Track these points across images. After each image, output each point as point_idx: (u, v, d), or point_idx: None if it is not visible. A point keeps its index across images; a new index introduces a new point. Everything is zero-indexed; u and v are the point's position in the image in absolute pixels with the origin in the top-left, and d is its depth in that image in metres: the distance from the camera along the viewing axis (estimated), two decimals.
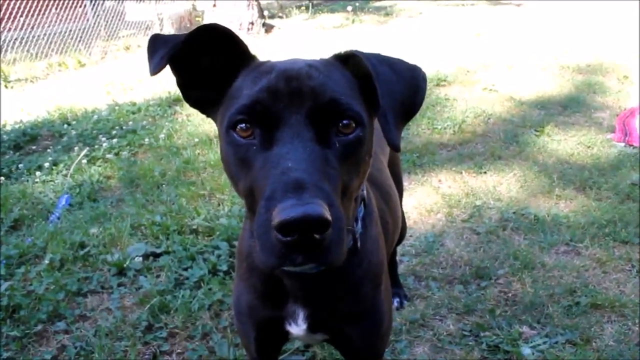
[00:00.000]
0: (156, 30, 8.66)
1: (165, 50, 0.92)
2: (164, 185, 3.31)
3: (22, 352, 1.98)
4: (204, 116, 1.07)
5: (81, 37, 7.88)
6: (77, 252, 2.56)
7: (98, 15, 8.60)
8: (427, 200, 3.04)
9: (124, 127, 4.34)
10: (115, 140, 4.08)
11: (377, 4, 11.61)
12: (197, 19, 9.43)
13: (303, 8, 10.95)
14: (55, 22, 7.90)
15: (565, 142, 3.83)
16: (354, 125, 0.90)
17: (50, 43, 7.41)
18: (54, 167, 3.63)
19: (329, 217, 0.76)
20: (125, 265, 2.44)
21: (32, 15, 7.51)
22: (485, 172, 3.39)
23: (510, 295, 2.25)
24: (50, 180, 3.47)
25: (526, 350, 1.91)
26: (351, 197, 0.93)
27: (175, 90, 5.09)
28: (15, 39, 7.12)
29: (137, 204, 3.04)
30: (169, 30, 8.87)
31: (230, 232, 2.63)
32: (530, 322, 2.08)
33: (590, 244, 2.57)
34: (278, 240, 0.77)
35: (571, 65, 5.81)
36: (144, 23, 9.00)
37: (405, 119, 0.98)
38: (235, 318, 1.29)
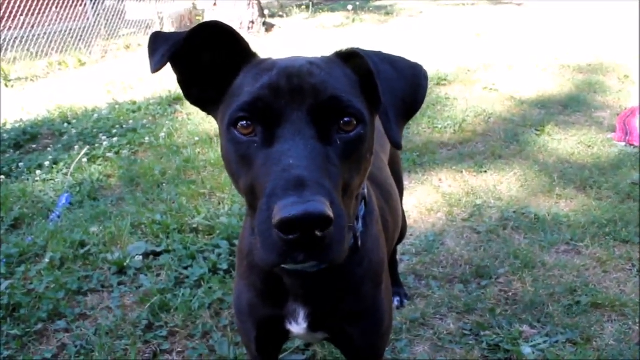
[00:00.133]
0: (156, 29, 8.65)
1: (166, 48, 0.91)
2: (164, 184, 3.31)
3: (22, 350, 1.98)
4: (204, 115, 1.07)
5: (81, 36, 7.88)
6: (78, 250, 2.56)
7: (98, 14, 8.61)
8: (427, 199, 3.04)
9: (124, 126, 4.34)
10: (115, 139, 4.07)
11: (378, 3, 11.61)
12: (197, 17, 9.43)
13: (303, 7, 10.94)
14: (56, 21, 7.90)
15: (565, 142, 3.83)
16: (355, 122, 0.90)
17: (51, 42, 7.40)
18: (54, 166, 3.63)
19: (331, 215, 0.76)
20: (125, 264, 2.44)
21: (33, 14, 7.51)
22: (485, 172, 3.39)
23: (510, 294, 2.25)
24: (51, 179, 3.46)
25: (526, 350, 1.90)
26: (352, 195, 0.93)
27: (176, 89, 5.10)
28: (16, 37, 7.12)
29: (138, 202, 3.04)
30: (169, 29, 8.86)
31: (231, 230, 2.62)
32: (531, 321, 2.08)
33: (590, 244, 2.57)
34: (279, 238, 0.77)
35: (571, 64, 5.81)
36: (144, 22, 9.00)
37: (407, 117, 0.98)
38: (235, 317, 1.29)
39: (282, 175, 0.80)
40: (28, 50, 7.13)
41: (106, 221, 2.85)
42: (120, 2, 8.90)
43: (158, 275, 2.40)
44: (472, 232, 2.72)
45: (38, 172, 3.52)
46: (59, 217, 2.96)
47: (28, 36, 7.23)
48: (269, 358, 1.32)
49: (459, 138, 3.96)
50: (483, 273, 2.37)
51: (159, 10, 9.02)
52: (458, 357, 1.92)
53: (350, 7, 10.22)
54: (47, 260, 2.47)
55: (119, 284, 2.35)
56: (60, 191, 3.25)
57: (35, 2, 7.55)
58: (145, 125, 4.41)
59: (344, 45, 1.03)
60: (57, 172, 3.56)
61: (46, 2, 7.80)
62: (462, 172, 3.39)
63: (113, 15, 8.67)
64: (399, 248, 2.41)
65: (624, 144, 3.75)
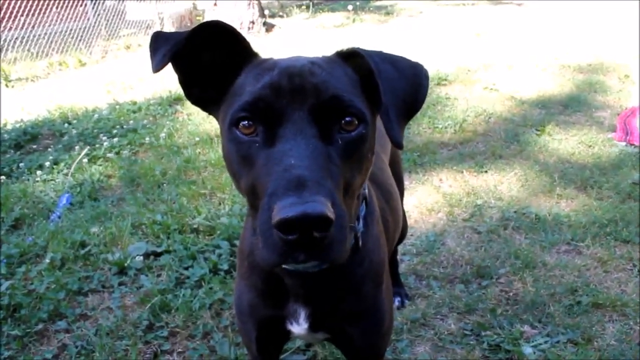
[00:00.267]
0: (157, 29, 8.64)
1: (167, 48, 0.91)
2: (164, 184, 3.31)
3: (23, 351, 1.98)
4: (204, 115, 1.07)
5: (82, 36, 7.88)
6: (78, 251, 2.56)
7: (99, 15, 8.61)
8: (428, 200, 3.04)
9: (124, 126, 4.34)
10: (116, 139, 4.07)
11: (378, 3, 11.61)
12: (197, 18, 9.44)
13: (304, 7, 10.95)
14: (56, 21, 7.90)
15: (566, 142, 3.83)
16: (356, 122, 0.90)
17: (51, 42, 7.41)
18: (54, 166, 3.63)
19: (331, 215, 0.75)
20: (126, 265, 2.43)
21: (33, 15, 7.52)
22: (486, 171, 3.39)
23: (511, 294, 2.25)
24: (51, 180, 3.46)
25: (527, 350, 1.90)
26: (353, 194, 0.93)
27: (176, 89, 5.10)
28: (16, 38, 7.12)
29: (138, 203, 3.04)
30: (169, 29, 8.86)
31: (231, 231, 2.62)
32: (532, 322, 2.07)
33: (591, 243, 2.57)
34: (280, 238, 0.77)
35: (572, 64, 5.81)
36: (144, 22, 9.01)
37: (408, 117, 0.98)
38: (236, 317, 1.29)
39: (283, 175, 0.80)
40: (28, 50, 7.13)
41: (107, 221, 2.85)
42: (121, 2, 8.90)
43: (159, 275, 2.40)
44: (473, 232, 2.72)
45: (38, 172, 3.52)
46: (59, 217, 2.96)
47: (28, 36, 7.24)
48: (269, 358, 1.32)
49: (460, 138, 3.96)
50: (484, 273, 2.37)
51: (160, 11, 9.03)
52: (459, 358, 1.92)
53: (350, 7, 10.22)
54: (47, 260, 2.47)
55: (120, 284, 2.35)
56: (60, 191, 3.25)
57: (36, 2, 7.56)
58: (145, 125, 4.41)
59: (344, 45, 1.03)
60: (58, 172, 3.55)
61: (46, 2, 7.80)
62: (462, 172, 3.38)
63: (113, 16, 8.67)
64: (400, 248, 2.41)
65: (624, 143, 3.75)
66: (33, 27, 7.41)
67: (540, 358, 1.90)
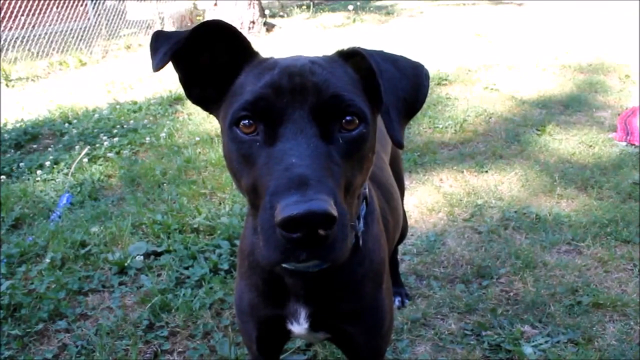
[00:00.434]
0: (157, 29, 8.65)
1: (168, 47, 0.91)
2: (165, 184, 3.31)
3: (23, 350, 1.98)
4: (205, 115, 1.07)
5: (82, 36, 7.88)
6: (78, 251, 2.56)
7: (99, 14, 8.61)
8: (428, 199, 3.04)
9: (124, 126, 4.34)
10: (116, 139, 4.08)
11: (378, 3, 11.61)
12: (198, 18, 9.43)
13: (304, 7, 10.94)
14: (56, 21, 7.91)
15: (566, 142, 3.83)
16: (357, 121, 0.90)
17: (52, 42, 7.41)
18: (55, 166, 3.63)
19: (335, 213, 0.75)
20: (126, 264, 2.43)
21: (33, 15, 7.52)
22: (486, 171, 3.39)
23: (511, 294, 2.25)
24: (51, 179, 3.47)
25: (528, 350, 1.90)
26: (354, 194, 0.93)
27: (176, 89, 5.10)
28: (17, 38, 7.13)
29: (138, 202, 3.04)
30: (169, 29, 8.82)
31: (232, 230, 2.62)
32: (532, 322, 2.07)
33: (591, 243, 2.57)
34: (282, 237, 0.77)
35: (572, 64, 5.81)
36: (144, 22, 9.01)
37: (408, 116, 0.98)
38: (236, 317, 1.29)
39: (285, 173, 0.79)
40: (29, 50, 7.14)
41: (107, 221, 2.85)
42: (121, 2, 8.91)
43: (159, 275, 2.40)
44: (473, 232, 2.72)
45: (39, 172, 3.53)
46: (59, 217, 2.96)
47: (29, 36, 7.24)
48: (270, 358, 1.32)
49: (460, 138, 3.96)
50: (484, 273, 2.37)
51: (160, 10, 9.03)
52: (459, 357, 1.92)
53: (350, 7, 10.22)
54: (47, 260, 2.47)
55: (120, 284, 2.35)
56: (61, 191, 3.26)
57: (36, 2, 7.56)
58: (146, 125, 4.41)
59: (344, 45, 1.02)
60: (58, 172, 3.56)
61: (47, 2, 7.80)
62: (463, 172, 3.38)
63: (114, 16, 8.67)
64: (400, 248, 2.41)
65: (625, 143, 3.75)
66: (33, 26, 7.42)
67: (541, 358, 1.89)
